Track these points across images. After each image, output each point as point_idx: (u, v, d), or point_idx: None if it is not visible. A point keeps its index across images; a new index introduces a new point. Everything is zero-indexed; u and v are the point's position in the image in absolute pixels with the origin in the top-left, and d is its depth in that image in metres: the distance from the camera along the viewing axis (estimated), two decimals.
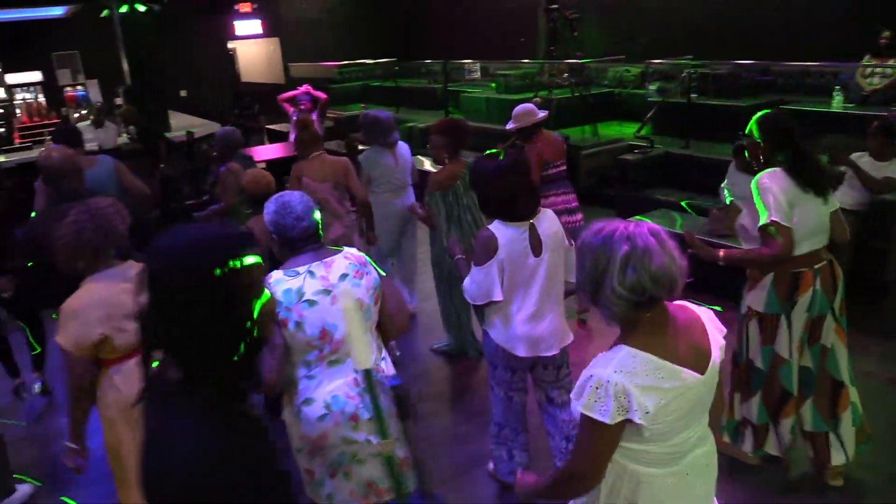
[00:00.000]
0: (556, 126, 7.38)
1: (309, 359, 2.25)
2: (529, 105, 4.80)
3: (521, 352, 2.80)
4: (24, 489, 3.55)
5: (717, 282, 3.82)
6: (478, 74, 11.60)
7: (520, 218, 2.71)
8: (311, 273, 2.24)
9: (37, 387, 4.53)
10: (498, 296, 2.74)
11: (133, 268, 2.47)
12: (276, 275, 2.23)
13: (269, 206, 2.29)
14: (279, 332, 2.17)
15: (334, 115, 10.48)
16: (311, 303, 2.20)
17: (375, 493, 2.34)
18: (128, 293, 2.29)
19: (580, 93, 8.12)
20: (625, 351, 1.65)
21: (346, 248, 2.39)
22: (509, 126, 4.80)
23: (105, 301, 2.37)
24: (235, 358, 1.27)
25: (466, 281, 2.79)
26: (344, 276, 2.27)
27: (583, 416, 1.64)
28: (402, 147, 4.89)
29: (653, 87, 7.73)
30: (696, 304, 1.82)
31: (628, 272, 1.57)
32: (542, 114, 4.72)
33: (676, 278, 1.61)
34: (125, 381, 2.45)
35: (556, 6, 8.72)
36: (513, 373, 2.92)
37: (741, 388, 3.18)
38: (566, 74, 8.58)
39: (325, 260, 2.28)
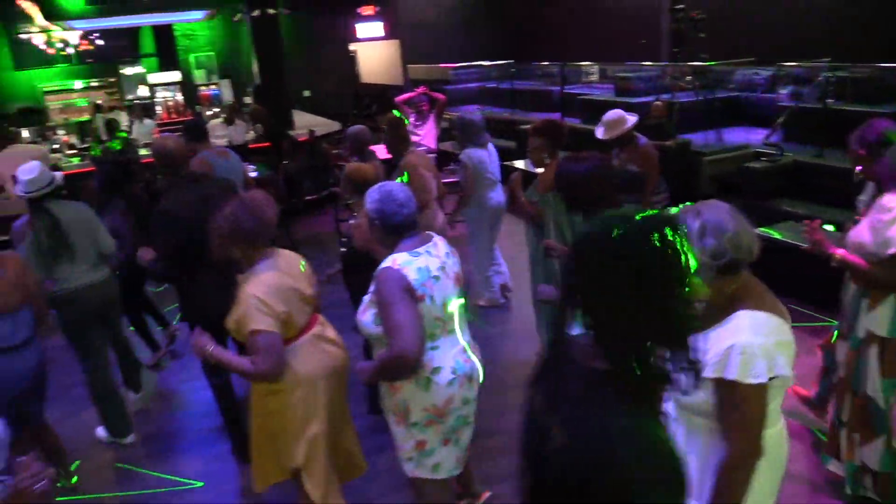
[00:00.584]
0: (678, 131, 7.16)
1: (435, 331, 2.48)
2: (618, 112, 4.75)
3: None
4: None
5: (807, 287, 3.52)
6: (596, 77, 11.41)
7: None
8: (428, 252, 2.47)
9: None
10: None
11: (283, 255, 2.70)
12: (402, 256, 2.41)
13: (373, 195, 2.47)
14: (417, 307, 2.38)
15: (450, 116, 10.61)
16: (437, 279, 2.45)
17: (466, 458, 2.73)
18: (291, 276, 2.65)
19: (704, 96, 7.83)
20: (747, 315, 1.73)
21: (430, 232, 2.61)
22: (599, 135, 4.72)
23: (280, 286, 2.58)
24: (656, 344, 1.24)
25: None
26: (447, 254, 2.55)
27: (734, 387, 1.69)
28: (492, 147, 5.35)
29: (784, 91, 7.34)
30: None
31: (707, 241, 1.70)
32: (633, 119, 4.64)
33: (754, 242, 1.74)
34: (297, 358, 2.66)
35: (681, 6, 8.45)
36: None
37: (860, 427, 2.82)
38: (689, 77, 8.29)
39: (430, 242, 2.52)
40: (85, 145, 10.72)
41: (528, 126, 4.98)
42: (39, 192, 3.79)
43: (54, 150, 10.28)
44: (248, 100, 13.28)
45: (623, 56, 10.83)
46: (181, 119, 11.92)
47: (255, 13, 9.82)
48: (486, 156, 5.22)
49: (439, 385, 2.47)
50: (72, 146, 10.87)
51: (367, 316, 2.46)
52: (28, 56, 14.20)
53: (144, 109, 11.72)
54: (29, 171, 3.81)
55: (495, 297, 5.73)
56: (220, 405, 3.90)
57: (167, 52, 14.58)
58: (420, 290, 2.39)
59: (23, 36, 13.75)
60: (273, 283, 2.57)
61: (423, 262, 2.43)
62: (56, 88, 14.62)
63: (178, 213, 3.49)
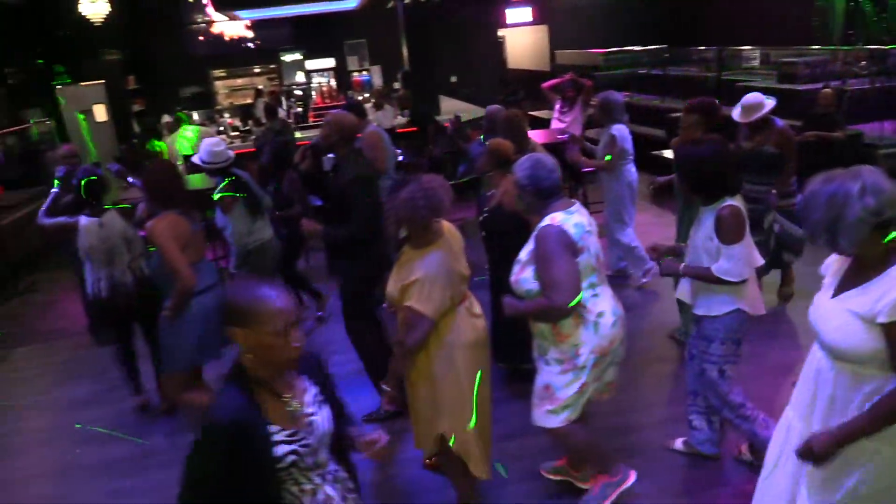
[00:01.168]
0: (847, 121, 6.64)
1: (593, 280, 2.83)
2: (757, 96, 4.68)
3: (763, 308, 3.13)
4: None
5: None
6: (757, 62, 10.76)
7: (732, 192, 2.98)
8: (578, 211, 2.83)
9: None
10: (759, 261, 3.10)
11: (448, 233, 2.90)
12: (559, 215, 2.75)
13: (524, 163, 2.82)
14: (576, 262, 2.71)
15: (596, 102, 10.40)
16: (589, 232, 2.81)
17: (610, 390, 3.09)
18: (454, 256, 2.86)
19: (881, 83, 7.19)
20: None
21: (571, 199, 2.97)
22: (736, 116, 4.68)
23: (447, 270, 2.78)
24: None
25: (722, 263, 2.93)
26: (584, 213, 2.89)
27: None
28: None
29: None
30: None
31: (867, 200, 1.87)
32: (771, 104, 4.60)
33: None
34: (454, 329, 2.87)
35: None
36: (738, 344, 3.13)
37: None
38: (864, 63, 7.64)
39: (575, 204, 2.88)
40: (246, 128, 11.52)
41: (680, 114, 5.03)
42: (217, 166, 4.45)
43: (220, 132, 11.12)
44: (396, 85, 13.70)
45: (788, 39, 10.14)
46: (333, 104, 12.49)
47: (407, 0, 10.08)
48: (628, 133, 5.65)
49: (605, 327, 2.83)
50: (235, 128, 11.72)
51: (526, 273, 2.79)
52: (199, 43, 15.43)
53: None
54: (215, 143, 4.48)
55: (640, 272, 5.81)
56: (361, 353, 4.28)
57: (323, 39, 15.30)
58: (580, 242, 2.73)
59: (195, 26, 14.96)
60: (441, 268, 2.75)
61: (577, 219, 2.77)
62: (223, 74, 15.79)
63: (373, 177, 4.08)
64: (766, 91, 8.54)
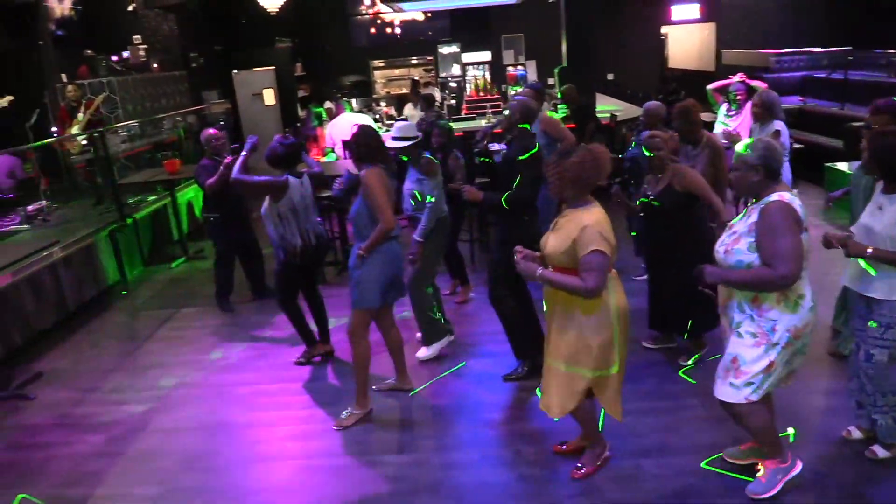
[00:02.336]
0: None
1: (804, 263, 2.92)
2: None
3: None
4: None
5: None
6: None
7: None
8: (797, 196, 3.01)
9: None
10: None
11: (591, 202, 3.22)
12: (787, 193, 2.94)
13: (758, 147, 2.99)
14: (799, 234, 2.88)
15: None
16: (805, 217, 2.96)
17: (791, 380, 3.20)
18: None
19: None
20: None
21: None
22: None
23: (608, 223, 3.17)
24: None
25: None
26: None
27: None
28: None
29: None
30: None
31: None
32: None
33: None
34: (611, 289, 3.22)
35: None
36: None
37: None
38: None
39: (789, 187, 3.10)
40: (402, 117, 11.79)
41: (860, 123, 5.19)
42: (410, 141, 4.76)
43: (376, 120, 11.47)
44: (551, 81, 13.52)
45: None
46: (487, 97, 12.53)
47: None
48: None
49: (804, 309, 2.96)
50: (391, 117, 12.04)
51: (740, 244, 2.96)
52: (361, 34, 16.01)
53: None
54: (403, 124, 4.88)
55: None
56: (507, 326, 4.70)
57: (480, 32, 15.40)
58: (805, 221, 2.90)
59: (358, 17, 15.52)
60: (605, 219, 3.14)
61: (799, 201, 2.94)
62: (381, 65, 16.29)
63: (540, 154, 4.43)
64: None
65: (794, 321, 2.95)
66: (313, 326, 5.32)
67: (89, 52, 10.76)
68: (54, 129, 8.94)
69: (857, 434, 3.64)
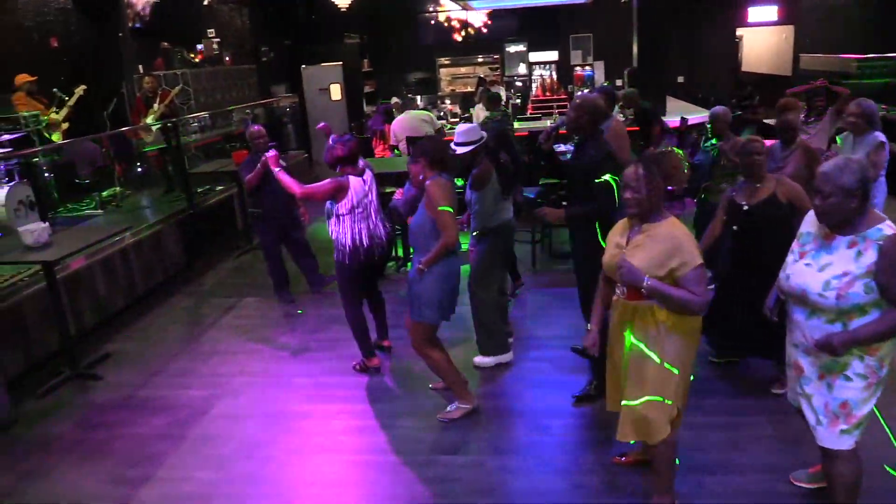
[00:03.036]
0: None
1: None
2: None
3: None
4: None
5: None
6: None
7: None
8: None
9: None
10: None
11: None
12: (891, 223, 2.66)
13: (853, 167, 2.65)
14: None
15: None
16: None
17: None
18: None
19: None
20: None
21: None
22: None
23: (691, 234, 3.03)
24: None
25: None
26: None
27: None
28: None
29: None
30: None
31: None
32: None
33: None
34: None
35: None
36: None
37: None
38: None
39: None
40: (466, 115, 11.77)
41: None
42: (472, 146, 4.62)
43: (440, 117, 11.46)
44: (619, 82, 13.28)
45: None
46: (553, 97, 12.38)
47: None
48: None
49: None
50: (455, 114, 12.02)
51: (856, 287, 2.61)
52: (429, 33, 16.05)
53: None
54: (467, 127, 4.73)
55: None
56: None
57: (548, 32, 15.24)
58: None
59: (426, 15, 15.55)
60: (685, 231, 2.97)
61: None
62: (447, 62, 16.29)
63: (620, 162, 4.19)
64: None
65: (893, 351, 2.77)
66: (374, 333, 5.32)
67: (166, 44, 11.10)
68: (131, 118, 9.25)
69: None
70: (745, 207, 4.15)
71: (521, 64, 15.74)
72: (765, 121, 10.55)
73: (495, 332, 4.94)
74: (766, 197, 4.10)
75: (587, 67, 14.97)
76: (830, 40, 12.41)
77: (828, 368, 2.79)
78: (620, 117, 9.40)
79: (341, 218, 4.69)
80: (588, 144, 4.24)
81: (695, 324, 3.04)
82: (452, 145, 4.63)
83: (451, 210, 3.97)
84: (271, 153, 5.29)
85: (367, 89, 14.96)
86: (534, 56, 15.61)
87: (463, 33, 15.65)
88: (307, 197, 4.83)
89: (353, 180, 4.69)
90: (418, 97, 13.34)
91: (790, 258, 2.90)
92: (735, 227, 4.23)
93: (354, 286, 4.93)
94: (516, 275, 6.31)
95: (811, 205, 3.87)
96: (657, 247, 2.93)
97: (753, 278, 4.05)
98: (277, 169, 4.96)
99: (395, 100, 11.48)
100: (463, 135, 4.64)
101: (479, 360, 5.01)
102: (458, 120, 11.42)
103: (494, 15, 15.48)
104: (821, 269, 2.71)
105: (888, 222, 2.66)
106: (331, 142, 4.79)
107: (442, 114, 11.98)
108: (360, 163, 4.85)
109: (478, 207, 4.74)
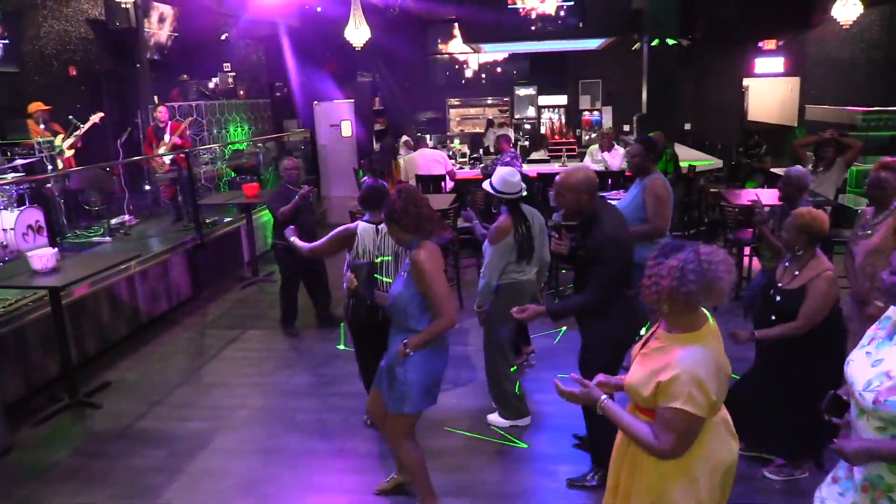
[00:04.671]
0: None
1: None
2: None
3: None
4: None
5: None
6: None
7: None
8: None
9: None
10: None
11: (711, 325, 2.35)
12: None
13: None
14: None
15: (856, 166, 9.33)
16: None
17: None
18: (720, 350, 2.32)
19: None
20: None
21: None
22: None
23: (717, 366, 2.27)
24: None
25: None
26: None
27: None
28: None
29: None
30: None
31: None
32: None
33: None
34: (706, 442, 2.42)
35: None
36: None
37: None
38: None
39: None
40: (475, 155, 11.81)
41: None
42: (509, 196, 4.33)
43: (449, 157, 11.50)
44: (626, 128, 13.35)
45: None
46: (561, 140, 12.44)
47: (654, 43, 9.79)
48: None
49: None
50: (464, 154, 12.06)
51: None
52: (439, 73, 16.23)
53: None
54: (510, 174, 4.36)
55: None
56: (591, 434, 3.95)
57: (557, 76, 15.39)
58: None
59: (437, 56, 15.74)
60: (713, 364, 2.24)
61: None
62: (457, 103, 16.43)
63: (623, 237, 3.60)
64: None
65: None
66: None
67: (185, 77, 11.21)
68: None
69: None
70: (780, 286, 3.76)
71: (531, 107, 15.86)
72: (771, 170, 10.55)
73: (510, 396, 4.63)
74: (800, 285, 3.63)
75: (595, 112, 15.09)
76: (836, 92, 12.49)
77: (872, 483, 2.25)
78: (622, 162, 9.42)
79: (350, 269, 4.17)
80: (597, 222, 3.57)
81: (711, 456, 2.36)
82: (486, 185, 4.44)
83: (444, 284, 3.34)
84: (306, 188, 5.47)
85: (377, 127, 15.06)
86: (543, 99, 15.74)
87: (472, 73, 15.81)
88: (313, 254, 4.50)
89: (363, 227, 4.17)
90: (428, 136, 13.42)
91: (862, 341, 2.37)
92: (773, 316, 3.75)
93: (366, 346, 4.38)
94: (526, 338, 5.71)
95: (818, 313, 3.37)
96: (652, 365, 2.32)
97: (776, 365, 3.75)
98: (293, 238, 4.62)
99: (404, 138, 11.53)
100: (502, 183, 4.30)
101: (493, 418, 4.73)
102: (466, 160, 11.45)
103: (506, 59, 15.65)
104: (874, 363, 2.21)
105: None
106: (366, 183, 4.51)
107: (451, 153, 12.02)
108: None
109: (488, 261, 4.39)
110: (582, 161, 10.03)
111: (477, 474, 4.10)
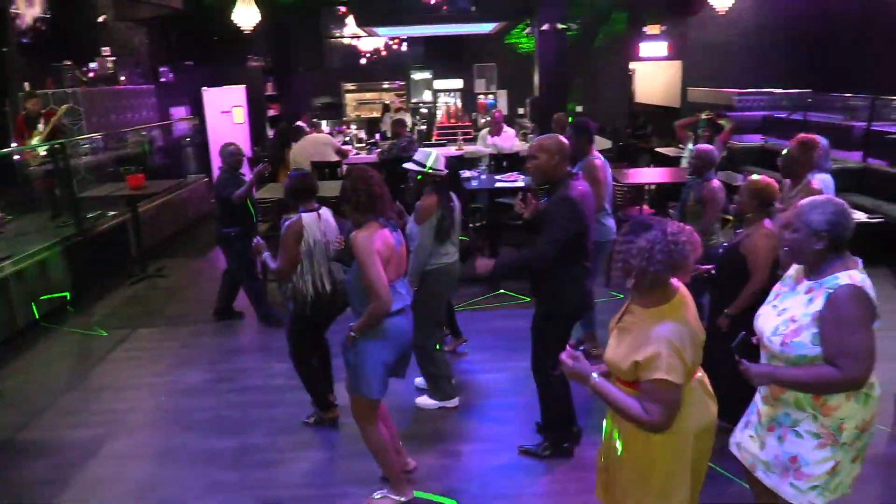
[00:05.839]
0: None
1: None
2: None
3: None
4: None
5: None
6: None
7: None
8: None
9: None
10: None
11: (686, 293, 2.47)
12: (857, 274, 2.40)
13: (827, 207, 2.42)
14: (872, 326, 2.39)
15: (731, 145, 9.90)
16: None
17: (852, 488, 2.60)
18: (694, 317, 2.47)
19: None
20: None
21: None
22: None
23: (691, 332, 2.39)
24: None
25: None
26: None
27: None
28: None
29: None
30: None
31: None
32: None
33: None
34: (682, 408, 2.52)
35: None
36: None
37: None
38: None
39: (855, 258, 2.49)
40: (371, 140, 11.74)
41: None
42: (441, 175, 4.31)
43: (345, 143, 11.37)
44: (521, 111, 13.61)
45: None
46: (458, 124, 12.53)
47: (545, 27, 10.00)
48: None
49: (873, 399, 2.50)
50: (360, 140, 11.96)
51: (802, 336, 2.42)
52: (334, 57, 15.98)
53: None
54: (442, 154, 4.40)
55: None
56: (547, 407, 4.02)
57: (453, 60, 15.48)
58: (878, 308, 2.39)
59: (331, 40, 15.48)
60: (686, 334, 2.36)
61: (869, 280, 2.41)
62: (353, 88, 16.25)
63: (579, 203, 3.60)
64: None
65: (864, 415, 2.50)
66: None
67: (65, 62, 10.49)
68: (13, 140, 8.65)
69: None
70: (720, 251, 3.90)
71: (427, 91, 15.89)
72: (657, 150, 11.05)
73: (440, 379, 4.65)
74: (732, 245, 3.85)
75: (490, 96, 15.29)
76: (715, 75, 13.20)
77: (778, 422, 2.61)
78: (512, 144, 9.62)
79: (299, 263, 4.10)
80: (568, 183, 3.65)
81: (691, 423, 2.44)
82: (407, 164, 4.35)
83: (378, 268, 3.26)
84: (261, 166, 5.87)
85: (271, 112, 14.67)
86: (439, 83, 15.81)
87: (367, 58, 15.67)
88: (281, 272, 4.14)
89: (307, 218, 4.11)
90: (324, 122, 13.21)
91: (769, 298, 2.69)
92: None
93: (306, 340, 4.38)
94: (456, 330, 5.62)
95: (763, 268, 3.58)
96: (631, 339, 2.42)
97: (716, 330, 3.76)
98: (266, 254, 4.26)
99: (298, 123, 11.30)
100: (435, 160, 4.27)
101: (422, 401, 4.73)
102: (363, 146, 11.36)
103: (401, 42, 15.59)
104: (780, 312, 2.54)
105: (853, 271, 2.41)
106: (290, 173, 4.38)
107: (348, 139, 11.89)
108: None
109: (419, 242, 4.32)
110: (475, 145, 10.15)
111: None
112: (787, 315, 2.49)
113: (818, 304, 2.40)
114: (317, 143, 9.28)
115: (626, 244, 2.38)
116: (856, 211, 6.30)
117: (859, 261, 2.47)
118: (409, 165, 4.37)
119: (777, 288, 2.68)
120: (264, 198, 7.31)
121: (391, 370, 3.49)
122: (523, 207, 3.90)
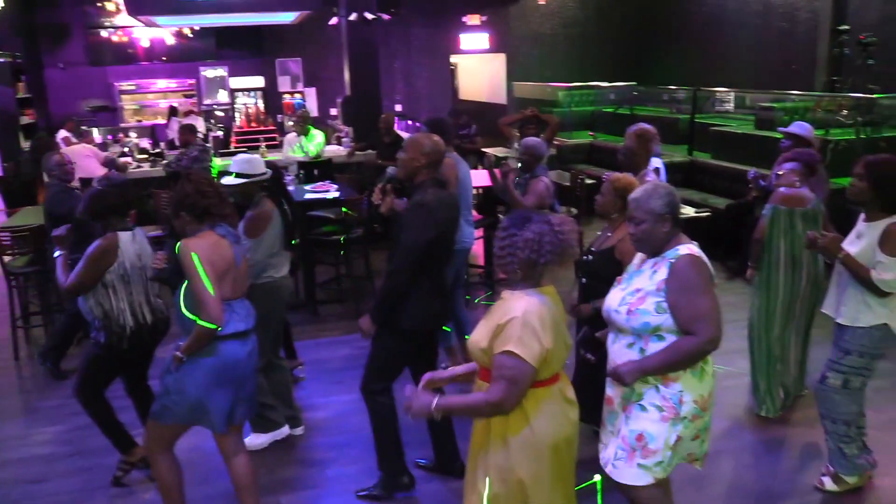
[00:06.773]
0: (832, 174, 6.88)
1: None
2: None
3: None
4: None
5: None
6: (731, 106, 11.17)
7: None
8: None
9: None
10: None
11: (548, 290, 2.70)
12: (694, 246, 2.87)
13: (659, 193, 2.85)
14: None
15: (559, 142, 10.59)
16: None
17: (704, 460, 3.07)
18: (558, 314, 2.73)
19: (867, 135, 7.52)
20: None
21: None
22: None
23: (551, 318, 2.61)
24: None
25: (883, 274, 3.42)
26: None
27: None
28: None
29: None
30: None
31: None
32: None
33: None
34: (538, 413, 2.69)
35: (846, 28, 8.19)
36: (874, 359, 3.66)
37: None
38: (846, 112, 8.00)
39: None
40: (157, 150, 11.25)
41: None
42: (258, 178, 4.36)
43: (124, 154, 10.83)
44: (333, 111, 13.68)
45: (768, 83, 10.59)
46: (260, 128, 12.37)
47: (352, 17, 10.13)
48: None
49: (708, 375, 2.89)
50: (144, 151, 11.40)
51: (646, 304, 2.79)
52: (104, 52, 15.21)
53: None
54: (249, 157, 4.53)
55: None
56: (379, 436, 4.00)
57: (251, 55, 15.28)
58: (715, 278, 2.86)
59: (100, 30, 14.74)
60: (547, 314, 2.59)
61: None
62: (131, 88, 15.55)
63: (437, 209, 3.67)
64: (742, 138, 8.91)
65: (700, 390, 2.85)
66: None
67: None
68: None
69: (830, 485, 3.87)
70: (591, 252, 4.05)
71: (222, 90, 15.54)
72: (483, 150, 11.55)
73: (263, 407, 4.40)
74: (607, 247, 3.93)
75: (297, 95, 15.25)
76: (540, 69, 14.06)
77: (626, 398, 2.93)
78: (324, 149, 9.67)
79: (106, 288, 3.86)
80: (430, 188, 3.75)
81: (545, 427, 2.63)
82: (224, 179, 4.29)
83: (207, 280, 3.23)
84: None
85: (25, 120, 13.64)
86: (236, 82, 15.51)
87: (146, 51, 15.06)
88: (77, 287, 3.88)
89: (123, 237, 3.90)
90: (94, 130, 12.51)
91: (615, 286, 3.06)
92: (583, 279, 4.07)
93: (105, 376, 4.15)
94: (292, 351, 5.67)
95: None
96: (492, 320, 2.63)
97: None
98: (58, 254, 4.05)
99: (62, 133, 10.64)
100: (245, 164, 4.35)
101: (251, 441, 4.49)
102: (147, 157, 10.88)
103: (186, 33, 15.12)
104: (624, 289, 2.95)
105: (691, 245, 2.86)
106: (95, 184, 4.20)
107: (127, 149, 11.33)
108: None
109: (251, 259, 4.12)
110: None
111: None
112: (633, 287, 2.91)
113: (662, 273, 2.82)
114: (80, 155, 8.83)
115: (509, 237, 2.61)
116: (684, 206, 7.01)
117: (694, 243, 2.94)
118: (231, 180, 4.32)
119: (623, 276, 3.07)
120: (16, 225, 6.75)
121: (229, 413, 3.38)
122: (381, 199, 4.09)
